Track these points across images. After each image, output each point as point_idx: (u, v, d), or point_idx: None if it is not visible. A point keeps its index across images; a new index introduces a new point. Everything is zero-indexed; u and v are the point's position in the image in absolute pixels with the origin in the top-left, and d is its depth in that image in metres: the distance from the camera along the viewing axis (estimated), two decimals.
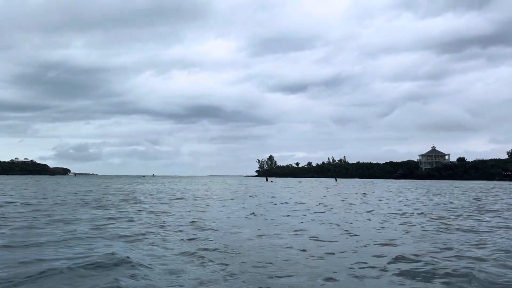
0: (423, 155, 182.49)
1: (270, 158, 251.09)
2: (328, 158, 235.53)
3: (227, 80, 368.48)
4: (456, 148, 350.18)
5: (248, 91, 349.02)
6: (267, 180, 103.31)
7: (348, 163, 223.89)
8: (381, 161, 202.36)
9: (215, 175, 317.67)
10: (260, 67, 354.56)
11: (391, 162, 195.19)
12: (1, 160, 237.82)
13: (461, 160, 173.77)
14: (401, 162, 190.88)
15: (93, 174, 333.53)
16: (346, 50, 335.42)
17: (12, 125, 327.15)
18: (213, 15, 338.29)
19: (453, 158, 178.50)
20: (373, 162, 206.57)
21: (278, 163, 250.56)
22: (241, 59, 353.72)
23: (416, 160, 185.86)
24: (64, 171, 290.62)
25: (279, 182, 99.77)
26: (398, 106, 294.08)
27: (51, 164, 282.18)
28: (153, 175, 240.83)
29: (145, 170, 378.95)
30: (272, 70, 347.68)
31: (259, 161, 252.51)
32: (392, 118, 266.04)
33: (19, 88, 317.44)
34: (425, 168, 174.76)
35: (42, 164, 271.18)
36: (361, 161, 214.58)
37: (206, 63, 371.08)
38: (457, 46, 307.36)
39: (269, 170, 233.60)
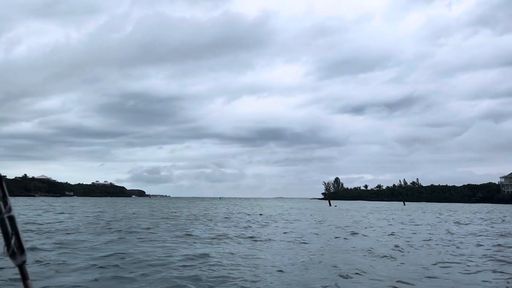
0: (505, 177, 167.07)
1: (337, 180, 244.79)
2: (400, 181, 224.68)
3: (294, 104, 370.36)
4: None
5: (316, 114, 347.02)
6: (330, 205, 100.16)
7: (422, 186, 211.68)
8: (458, 184, 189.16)
9: (281, 197, 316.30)
10: (328, 90, 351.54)
11: (469, 185, 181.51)
12: (84, 183, 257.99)
13: None
14: (480, 184, 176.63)
15: (166, 196, 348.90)
16: (419, 69, 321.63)
17: (95, 150, 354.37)
18: (282, 42, 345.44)
19: None
20: (449, 185, 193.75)
21: (345, 186, 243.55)
22: (309, 82, 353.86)
23: (497, 183, 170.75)
24: (140, 193, 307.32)
25: (344, 206, 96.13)
26: (475, 125, 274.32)
27: (127, 186, 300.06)
28: (220, 198, 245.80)
29: (212, 192, 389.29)
30: (340, 92, 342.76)
31: (325, 183, 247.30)
32: (469, 138, 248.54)
33: (103, 116, 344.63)
34: (508, 191, 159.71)
35: (119, 187, 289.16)
36: (436, 184, 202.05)
37: (274, 88, 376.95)
38: None
39: (336, 193, 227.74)
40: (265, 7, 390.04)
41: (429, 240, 20.85)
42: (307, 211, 60.41)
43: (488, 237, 22.81)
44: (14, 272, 10.38)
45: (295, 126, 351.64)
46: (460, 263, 13.70)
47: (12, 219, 1.47)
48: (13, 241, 1.44)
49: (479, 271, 12.29)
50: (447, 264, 13.35)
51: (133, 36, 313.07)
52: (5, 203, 1.46)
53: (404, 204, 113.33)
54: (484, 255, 15.69)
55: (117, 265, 12.22)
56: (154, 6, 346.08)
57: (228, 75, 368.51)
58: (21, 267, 1.47)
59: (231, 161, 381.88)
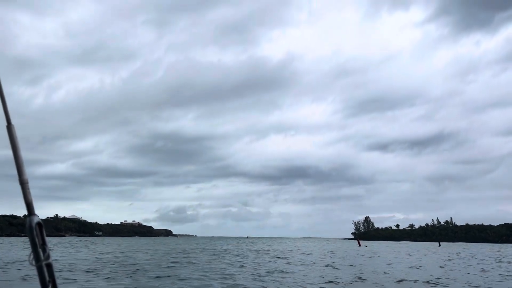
0: None
1: (367, 219, 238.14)
2: (432, 220, 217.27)
3: (322, 142, 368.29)
4: None
5: (344, 152, 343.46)
6: (360, 245, 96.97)
7: (456, 226, 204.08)
8: (494, 223, 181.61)
9: (309, 237, 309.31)
10: (355, 128, 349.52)
11: (506, 224, 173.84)
12: (113, 223, 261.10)
13: None
14: None
15: (192, 236, 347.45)
16: (448, 106, 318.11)
17: (124, 190, 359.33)
18: (307, 82, 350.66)
19: None
20: (485, 224, 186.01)
21: (376, 225, 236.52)
22: (336, 121, 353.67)
23: None
24: (167, 233, 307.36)
25: (378, 248, 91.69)
26: (508, 162, 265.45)
27: (155, 226, 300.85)
28: (247, 237, 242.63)
29: (238, 231, 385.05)
30: (368, 130, 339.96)
31: (354, 222, 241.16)
32: (503, 175, 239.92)
33: (133, 157, 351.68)
34: None
35: (147, 226, 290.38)
36: (470, 223, 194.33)
37: (301, 127, 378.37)
38: None
39: (366, 232, 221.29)
40: (291, 50, 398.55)
41: None
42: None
43: None
44: None
45: (322, 164, 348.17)
46: None
47: (49, 266, 1.50)
48: None
49: None
50: None
51: (164, 80, 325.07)
52: (44, 250, 1.48)
53: (440, 245, 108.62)
54: None
55: None
56: (187, 52, 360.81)
57: (255, 114, 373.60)
58: None
59: (257, 200, 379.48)
